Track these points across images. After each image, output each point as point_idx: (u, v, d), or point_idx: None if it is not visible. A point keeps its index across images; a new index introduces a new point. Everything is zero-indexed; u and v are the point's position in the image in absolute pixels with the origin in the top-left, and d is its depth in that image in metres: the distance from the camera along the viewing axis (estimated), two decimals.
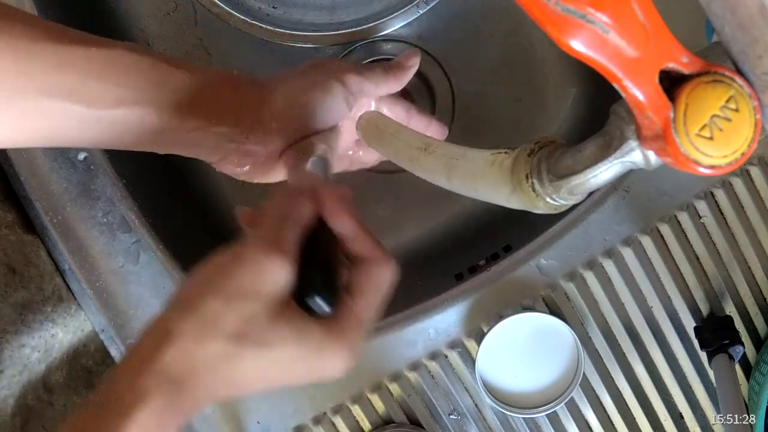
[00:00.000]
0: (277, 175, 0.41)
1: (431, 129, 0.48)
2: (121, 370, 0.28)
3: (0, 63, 0.31)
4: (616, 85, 0.23)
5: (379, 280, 0.31)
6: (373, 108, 0.45)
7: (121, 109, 0.34)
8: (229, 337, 0.27)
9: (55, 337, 0.48)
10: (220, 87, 0.38)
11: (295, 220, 0.30)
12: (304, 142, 0.40)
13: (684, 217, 0.51)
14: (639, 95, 0.23)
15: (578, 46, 0.21)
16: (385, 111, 0.45)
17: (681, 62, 0.23)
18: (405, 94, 0.63)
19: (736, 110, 0.23)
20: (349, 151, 0.48)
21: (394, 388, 0.51)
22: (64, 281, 0.50)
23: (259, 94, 0.39)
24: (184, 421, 0.28)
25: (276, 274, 0.28)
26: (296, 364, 0.29)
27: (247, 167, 0.40)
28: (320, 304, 0.30)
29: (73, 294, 0.50)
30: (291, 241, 0.30)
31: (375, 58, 0.61)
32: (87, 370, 0.51)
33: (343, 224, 0.32)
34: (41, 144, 0.35)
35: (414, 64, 0.46)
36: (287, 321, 0.28)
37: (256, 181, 0.42)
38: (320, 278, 0.30)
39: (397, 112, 0.46)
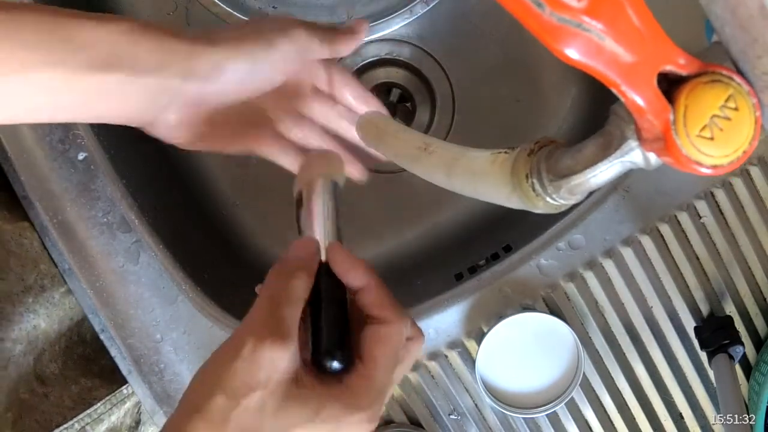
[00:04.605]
0: (225, 140, 0.38)
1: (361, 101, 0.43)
2: None
3: None
4: (614, 91, 0.23)
5: (391, 343, 0.30)
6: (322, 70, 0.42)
7: (26, 74, 0.31)
8: None
9: (37, 328, 0.47)
10: (142, 36, 0.34)
11: (290, 298, 0.30)
12: (307, 173, 0.38)
13: (684, 217, 0.51)
14: (638, 99, 0.23)
15: (574, 54, 0.21)
16: (321, 75, 0.42)
17: (678, 64, 0.23)
18: (406, 96, 0.63)
19: (736, 109, 0.23)
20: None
21: (394, 388, 0.51)
22: (58, 271, 0.50)
23: (195, 42, 0.35)
24: None
25: (276, 362, 0.28)
26: None
27: (187, 126, 0.36)
28: (333, 361, 0.29)
29: (64, 279, 0.50)
30: (289, 319, 0.29)
31: (375, 58, 0.61)
32: (84, 359, 0.51)
33: (353, 279, 0.31)
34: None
35: (363, 31, 0.42)
36: (299, 402, 0.28)
37: (209, 149, 0.38)
38: (330, 337, 0.30)
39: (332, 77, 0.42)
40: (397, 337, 0.30)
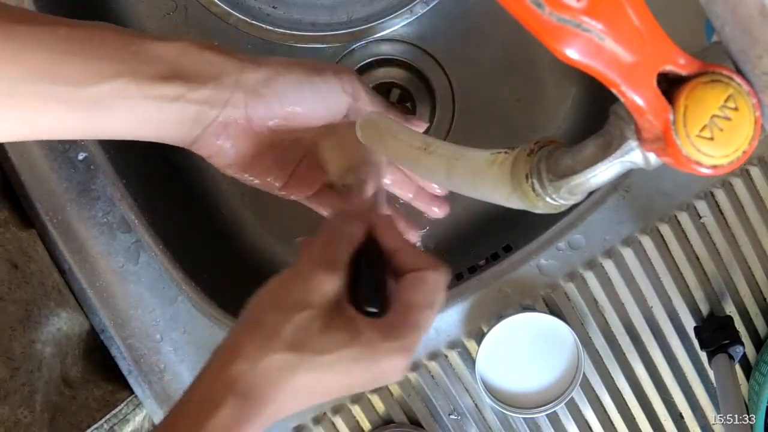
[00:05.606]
0: (262, 167, 0.40)
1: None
2: (194, 385, 0.31)
3: None
4: (614, 91, 0.23)
5: (425, 282, 0.33)
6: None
7: (103, 84, 0.33)
8: (289, 346, 0.30)
9: (60, 331, 0.48)
10: (200, 51, 0.36)
11: (343, 239, 0.34)
12: (353, 167, 0.41)
13: (684, 217, 0.51)
14: (638, 100, 0.23)
15: (574, 54, 0.21)
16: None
17: (678, 64, 0.23)
18: (406, 96, 0.63)
19: (736, 109, 0.23)
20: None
21: (394, 388, 0.51)
22: (63, 279, 0.50)
23: (244, 60, 0.37)
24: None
25: (324, 285, 0.32)
26: (353, 365, 0.31)
27: (229, 144, 0.38)
28: (369, 305, 0.32)
29: (71, 289, 0.50)
30: (339, 256, 0.33)
31: (375, 58, 0.61)
32: (102, 364, 0.51)
33: (391, 240, 0.35)
34: (25, 136, 0.35)
35: (420, 125, 0.45)
36: (340, 325, 0.31)
37: (243, 174, 0.40)
38: (370, 287, 0.33)
39: None
40: (433, 280, 0.34)
